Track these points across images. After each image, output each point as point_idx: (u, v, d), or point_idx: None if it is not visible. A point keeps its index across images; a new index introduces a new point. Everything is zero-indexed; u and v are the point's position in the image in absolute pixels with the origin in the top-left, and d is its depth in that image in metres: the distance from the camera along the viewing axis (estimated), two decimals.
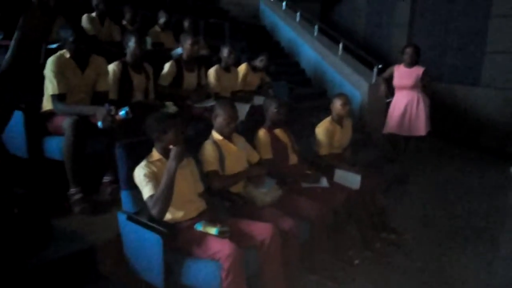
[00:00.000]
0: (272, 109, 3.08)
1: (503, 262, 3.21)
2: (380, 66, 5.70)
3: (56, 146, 2.54)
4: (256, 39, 7.39)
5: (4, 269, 1.33)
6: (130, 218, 2.11)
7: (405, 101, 4.76)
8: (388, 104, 5.00)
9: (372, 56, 6.18)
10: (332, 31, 7.10)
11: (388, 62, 4.96)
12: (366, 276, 2.81)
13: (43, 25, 1.11)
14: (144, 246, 2.09)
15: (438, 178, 5.14)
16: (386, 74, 5.06)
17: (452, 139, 6.84)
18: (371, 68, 5.95)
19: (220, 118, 2.60)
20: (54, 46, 2.91)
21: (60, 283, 2.01)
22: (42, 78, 2.60)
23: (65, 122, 2.46)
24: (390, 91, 4.96)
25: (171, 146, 2.14)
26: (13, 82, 1.09)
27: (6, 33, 3.28)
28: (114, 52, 3.49)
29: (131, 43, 3.03)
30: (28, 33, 1.10)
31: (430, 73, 4.84)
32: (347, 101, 3.48)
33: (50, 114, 2.64)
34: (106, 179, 2.78)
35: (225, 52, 4.00)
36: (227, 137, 2.65)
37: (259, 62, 4.48)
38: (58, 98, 2.57)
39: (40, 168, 2.66)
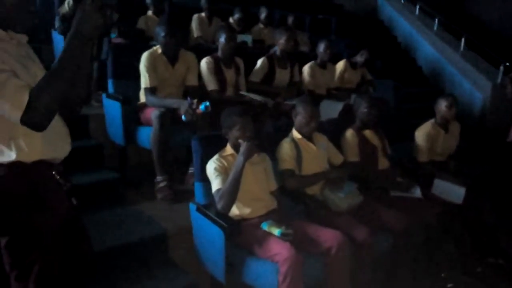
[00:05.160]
0: (362, 108, 2.87)
1: None
2: (507, 63, 4.92)
3: (146, 136, 2.72)
4: (369, 35, 7.00)
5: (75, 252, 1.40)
6: (198, 209, 2.15)
7: None
8: None
9: (507, 53, 5.36)
10: (456, 24, 6.37)
11: None
12: None
13: (97, 23, 1.13)
14: (209, 238, 2.11)
15: None
16: None
17: None
18: (498, 66, 5.17)
19: (300, 116, 2.51)
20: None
21: (132, 264, 2.14)
22: (139, 73, 2.81)
23: (153, 114, 2.62)
24: None
25: (240, 141, 2.12)
26: (67, 75, 1.15)
27: (119, 32, 3.66)
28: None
29: (222, 39, 3.10)
30: (81, 30, 1.15)
31: None
32: (453, 102, 3.08)
33: (144, 106, 2.84)
34: (191, 170, 2.89)
35: (321, 47, 3.86)
36: (307, 136, 2.54)
37: (359, 57, 4.23)
38: (149, 91, 2.76)
39: (132, 155, 2.90)
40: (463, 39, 5.98)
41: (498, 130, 4.66)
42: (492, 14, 8.12)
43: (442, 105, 3.10)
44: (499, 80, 5.09)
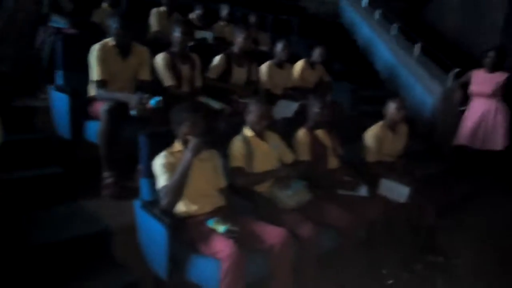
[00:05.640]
0: (314, 109, 2.92)
1: None
2: (458, 70, 5.15)
3: (95, 130, 2.64)
4: (330, 37, 7.12)
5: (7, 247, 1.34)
6: (142, 206, 2.12)
7: (482, 110, 4.26)
8: (463, 112, 4.51)
9: (462, 61, 5.58)
10: (414, 30, 6.58)
11: (477, 68, 4.44)
12: None
13: (29, 10, 1.09)
14: (153, 236, 2.08)
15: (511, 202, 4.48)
16: (463, 79, 4.58)
17: None
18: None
19: (252, 115, 2.54)
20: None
21: (73, 261, 2.07)
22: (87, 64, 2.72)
23: (101, 108, 2.55)
24: (465, 99, 4.47)
25: (189, 137, 2.10)
26: None
27: (71, 22, 3.54)
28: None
29: (177, 33, 3.06)
30: (15, 17, 1.10)
31: None
32: (402, 105, 3.19)
33: (93, 99, 2.76)
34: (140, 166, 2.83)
35: (279, 47, 3.88)
36: (259, 134, 2.56)
37: (316, 55, 4.29)
38: (99, 84, 2.68)
39: (80, 150, 2.81)
40: (418, 45, 6.19)
41: (447, 134, 4.88)
42: (448, 23, 8.46)
43: (392, 107, 3.20)
44: (449, 85, 5.32)
